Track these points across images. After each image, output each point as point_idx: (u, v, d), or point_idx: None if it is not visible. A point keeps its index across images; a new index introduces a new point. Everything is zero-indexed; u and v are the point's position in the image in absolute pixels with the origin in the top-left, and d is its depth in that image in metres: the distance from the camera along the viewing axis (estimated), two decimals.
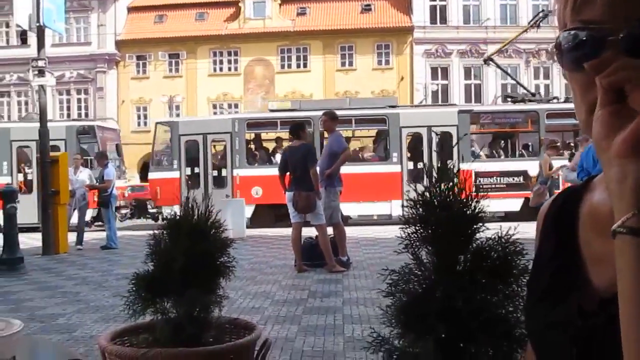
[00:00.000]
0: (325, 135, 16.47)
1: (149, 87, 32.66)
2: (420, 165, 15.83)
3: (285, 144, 14.54)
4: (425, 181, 1.43)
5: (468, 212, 1.38)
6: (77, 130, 17.98)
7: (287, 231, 8.85)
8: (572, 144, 16.12)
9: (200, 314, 2.22)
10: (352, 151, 17.33)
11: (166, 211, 18.34)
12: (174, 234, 2.28)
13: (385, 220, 15.46)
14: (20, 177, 18.05)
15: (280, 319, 5.37)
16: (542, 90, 28.51)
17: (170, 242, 2.28)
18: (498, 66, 18.75)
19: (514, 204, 15.36)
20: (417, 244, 1.40)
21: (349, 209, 15.23)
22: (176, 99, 30.40)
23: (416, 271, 1.37)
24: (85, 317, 5.64)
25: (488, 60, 18.35)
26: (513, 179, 15.94)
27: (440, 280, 1.33)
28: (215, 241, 2.31)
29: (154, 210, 20.29)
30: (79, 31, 33.38)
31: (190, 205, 2.33)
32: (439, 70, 32.12)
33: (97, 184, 12.19)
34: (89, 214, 15.60)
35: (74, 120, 20.57)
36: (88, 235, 12.34)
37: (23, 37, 31.16)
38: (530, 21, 18.27)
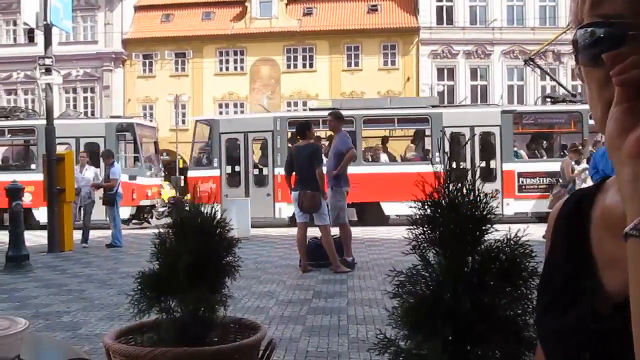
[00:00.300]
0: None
1: (155, 86, 32.71)
2: (462, 165, 15.83)
3: (324, 143, 14.56)
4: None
5: (477, 213, 1.37)
6: (116, 128, 17.64)
7: (292, 231, 8.85)
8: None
9: (206, 313, 2.21)
10: (404, 151, 17.37)
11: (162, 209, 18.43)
12: (180, 233, 2.27)
13: None
14: None
15: (285, 319, 5.37)
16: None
17: (175, 241, 2.27)
18: (538, 66, 18.53)
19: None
20: (425, 245, 1.39)
21: (390, 208, 15.59)
22: (182, 98, 30.44)
23: (423, 272, 1.36)
24: (90, 315, 5.65)
25: (528, 61, 18.13)
26: (555, 180, 15.96)
27: (448, 281, 1.32)
28: (221, 240, 2.31)
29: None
30: (85, 30, 33.48)
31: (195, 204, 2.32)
32: (445, 71, 32.05)
33: (103, 182, 12.24)
34: (127, 212, 15.70)
35: (112, 117, 20.32)
36: (93, 233, 12.38)
37: (30, 35, 31.28)
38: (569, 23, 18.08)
